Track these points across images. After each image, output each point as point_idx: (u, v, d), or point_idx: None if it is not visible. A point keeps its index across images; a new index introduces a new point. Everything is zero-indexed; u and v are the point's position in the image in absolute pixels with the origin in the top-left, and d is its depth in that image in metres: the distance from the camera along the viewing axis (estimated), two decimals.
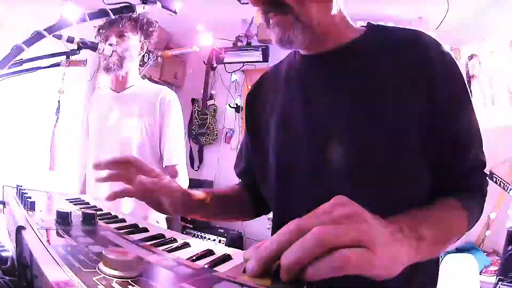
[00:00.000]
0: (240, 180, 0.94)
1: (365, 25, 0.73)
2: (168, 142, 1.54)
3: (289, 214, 0.42)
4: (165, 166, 1.53)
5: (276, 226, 0.80)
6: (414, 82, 0.62)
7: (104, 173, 0.74)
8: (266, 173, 0.77)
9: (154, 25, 1.60)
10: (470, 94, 0.67)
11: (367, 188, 0.62)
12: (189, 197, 0.75)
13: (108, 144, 1.54)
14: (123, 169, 0.73)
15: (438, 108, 0.62)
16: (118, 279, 0.34)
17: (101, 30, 1.51)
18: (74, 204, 0.81)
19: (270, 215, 0.85)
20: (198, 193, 0.79)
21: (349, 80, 0.67)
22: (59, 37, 1.05)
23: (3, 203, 0.79)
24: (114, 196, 0.72)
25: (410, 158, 0.62)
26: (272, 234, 0.73)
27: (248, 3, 0.63)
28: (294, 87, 0.74)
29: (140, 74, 1.71)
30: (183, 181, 1.55)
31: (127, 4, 0.86)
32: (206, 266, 0.43)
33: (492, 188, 2.43)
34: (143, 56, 1.75)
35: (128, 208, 1.44)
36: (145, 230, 0.63)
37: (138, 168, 0.73)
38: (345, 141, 0.65)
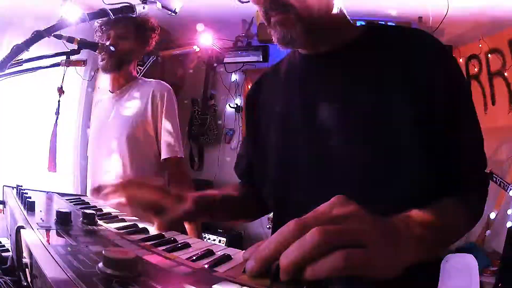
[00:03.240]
0: (240, 180, 0.94)
1: (365, 24, 0.73)
2: (165, 135, 1.53)
3: (289, 214, 0.42)
4: (164, 158, 1.52)
5: (276, 226, 0.80)
6: (414, 81, 0.62)
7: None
8: (266, 173, 0.77)
9: (155, 30, 1.60)
10: (471, 93, 0.67)
11: (366, 187, 0.62)
12: (200, 202, 0.73)
13: (104, 143, 1.55)
14: (126, 191, 0.71)
15: (438, 107, 0.62)
16: (118, 279, 0.34)
17: (103, 27, 1.51)
18: (74, 204, 0.81)
19: (270, 215, 0.85)
20: (207, 196, 0.78)
21: (349, 80, 0.67)
22: (59, 37, 1.05)
23: (3, 203, 0.79)
24: (121, 205, 0.73)
25: (410, 157, 0.62)
26: (272, 233, 0.73)
27: (248, 2, 0.63)
28: (294, 87, 0.74)
29: (140, 74, 1.72)
30: (183, 173, 1.56)
31: (127, 4, 0.86)
32: (206, 266, 0.43)
33: (492, 188, 2.44)
34: (143, 57, 1.76)
35: None
36: (145, 230, 0.63)
37: (142, 187, 0.72)
38: (344, 141, 0.65)
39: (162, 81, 1.61)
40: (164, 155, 1.52)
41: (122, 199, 0.71)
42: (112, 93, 1.62)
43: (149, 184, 0.73)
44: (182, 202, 0.70)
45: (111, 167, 1.51)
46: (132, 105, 1.54)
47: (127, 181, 0.72)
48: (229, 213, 0.86)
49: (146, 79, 1.64)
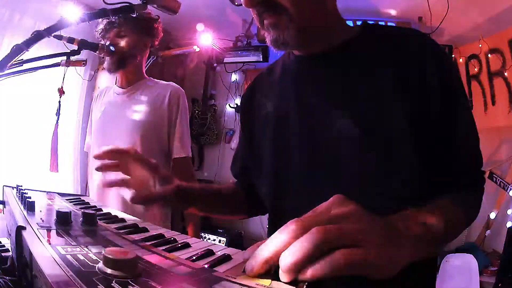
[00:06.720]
0: (236, 180, 0.94)
1: (360, 25, 0.73)
2: (179, 135, 1.56)
3: (285, 214, 0.42)
4: (174, 158, 1.55)
5: (272, 226, 0.80)
6: (409, 80, 0.62)
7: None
8: (262, 173, 0.77)
9: (154, 21, 1.60)
10: (465, 92, 0.67)
11: (362, 186, 0.62)
12: (185, 190, 0.75)
13: (112, 137, 1.54)
14: (122, 159, 0.73)
15: (433, 107, 0.62)
16: (118, 279, 0.34)
17: (102, 33, 1.52)
18: (74, 204, 0.81)
19: None
20: (195, 187, 0.80)
21: (343, 80, 0.67)
22: (59, 37, 1.05)
23: (3, 203, 0.79)
24: (111, 184, 0.73)
25: (406, 157, 0.62)
26: (268, 234, 0.73)
27: (242, 5, 0.63)
28: (288, 88, 0.74)
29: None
30: (192, 173, 1.60)
31: (127, 4, 0.86)
32: (206, 266, 0.43)
33: (492, 188, 2.45)
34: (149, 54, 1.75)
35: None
36: (145, 230, 0.63)
37: (137, 159, 0.73)
38: (338, 141, 0.65)
39: (174, 84, 1.63)
40: (176, 154, 1.55)
41: (116, 173, 0.73)
42: (120, 88, 1.61)
43: (143, 158, 0.74)
44: (167, 184, 0.71)
45: None
46: (147, 105, 1.54)
47: (125, 150, 0.74)
48: (216, 207, 0.87)
49: (157, 80, 1.65)
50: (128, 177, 0.73)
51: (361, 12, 2.61)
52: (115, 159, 0.73)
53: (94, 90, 2.87)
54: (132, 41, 1.53)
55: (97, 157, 0.73)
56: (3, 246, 0.71)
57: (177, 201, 0.74)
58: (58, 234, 0.50)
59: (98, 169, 0.74)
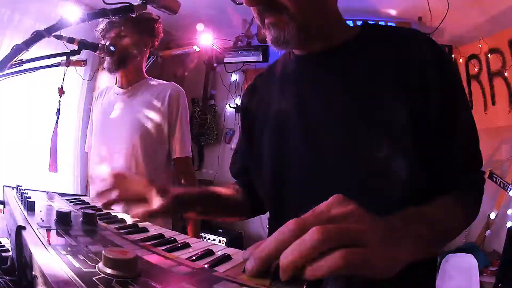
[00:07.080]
0: (236, 180, 0.94)
1: (360, 24, 0.73)
2: (179, 135, 1.56)
3: (285, 214, 0.42)
4: (175, 157, 1.56)
5: (273, 226, 0.81)
6: (408, 80, 0.62)
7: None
8: (262, 173, 0.77)
9: (154, 21, 1.60)
10: (465, 92, 0.67)
11: (361, 186, 0.62)
12: (183, 197, 0.76)
13: (112, 137, 1.55)
14: (118, 181, 0.76)
15: (432, 106, 0.62)
16: (118, 279, 0.34)
17: (102, 33, 1.52)
18: (74, 204, 0.81)
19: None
20: (193, 192, 0.80)
21: (343, 80, 0.67)
22: (59, 37, 1.05)
23: (3, 203, 0.79)
24: (111, 203, 0.75)
25: (405, 156, 0.62)
26: (268, 234, 0.73)
27: (243, 3, 0.63)
28: (289, 88, 0.74)
29: None
30: (192, 173, 1.62)
31: (127, 4, 0.86)
32: (206, 266, 0.43)
33: (492, 188, 2.45)
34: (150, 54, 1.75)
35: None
36: (145, 230, 0.63)
37: (131, 180, 0.77)
38: (339, 140, 0.65)
39: (175, 83, 1.63)
40: (177, 154, 1.56)
41: (114, 195, 0.75)
42: (121, 88, 1.61)
43: (135, 176, 0.76)
44: (164, 196, 0.72)
45: (121, 163, 1.51)
46: (148, 105, 1.55)
47: (116, 174, 0.77)
48: (215, 210, 0.88)
49: (157, 80, 1.65)
50: (125, 194, 0.76)
51: (361, 12, 2.61)
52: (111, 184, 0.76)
53: (94, 90, 2.87)
54: (132, 41, 1.53)
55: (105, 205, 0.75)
56: (3, 246, 0.71)
57: (177, 210, 0.75)
58: (58, 234, 0.50)
59: (99, 197, 0.77)
